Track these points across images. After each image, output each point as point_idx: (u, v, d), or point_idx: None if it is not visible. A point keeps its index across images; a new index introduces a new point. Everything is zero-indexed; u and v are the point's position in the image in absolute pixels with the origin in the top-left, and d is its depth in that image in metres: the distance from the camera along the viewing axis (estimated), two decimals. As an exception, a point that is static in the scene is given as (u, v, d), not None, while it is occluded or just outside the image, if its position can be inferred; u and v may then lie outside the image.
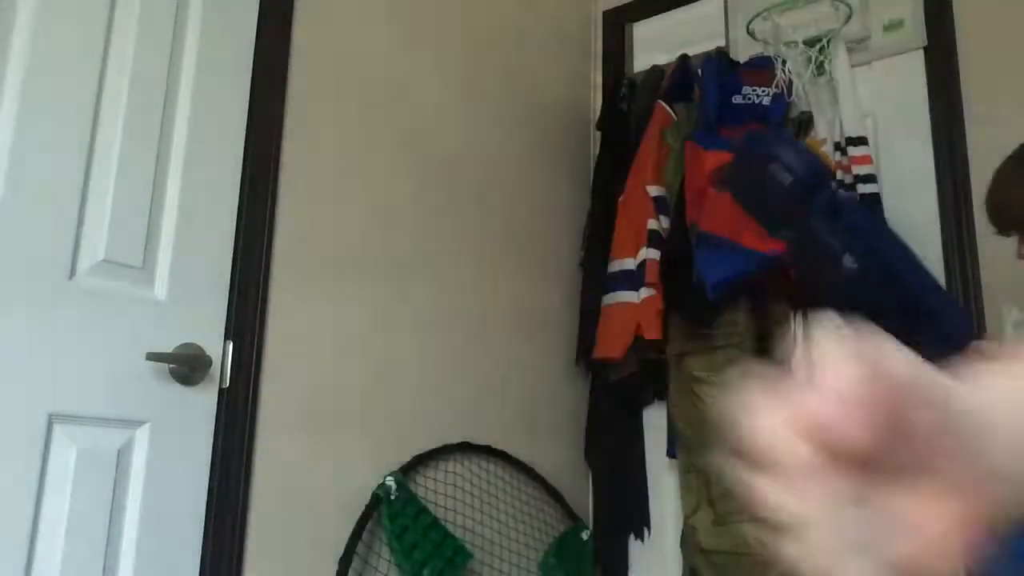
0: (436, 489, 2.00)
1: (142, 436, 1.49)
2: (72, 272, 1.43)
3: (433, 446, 2.01)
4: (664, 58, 2.69)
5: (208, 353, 1.58)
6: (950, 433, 0.29)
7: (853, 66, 2.30)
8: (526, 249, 2.45)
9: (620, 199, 2.49)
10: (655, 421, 2.53)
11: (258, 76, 1.77)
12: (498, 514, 2.15)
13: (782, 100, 2.29)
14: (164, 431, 1.52)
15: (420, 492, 1.94)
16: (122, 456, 1.47)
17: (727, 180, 1.34)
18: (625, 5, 2.90)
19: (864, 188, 2.17)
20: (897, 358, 0.29)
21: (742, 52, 2.51)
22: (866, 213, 1.13)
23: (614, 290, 2.40)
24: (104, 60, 1.51)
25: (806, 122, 2.34)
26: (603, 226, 2.53)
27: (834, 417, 0.28)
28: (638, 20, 2.90)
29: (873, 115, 2.31)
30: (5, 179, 1.36)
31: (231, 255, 1.68)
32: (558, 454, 2.44)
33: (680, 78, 2.52)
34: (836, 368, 0.28)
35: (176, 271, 1.57)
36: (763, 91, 2.31)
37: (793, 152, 1.09)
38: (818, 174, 1.09)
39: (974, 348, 1.01)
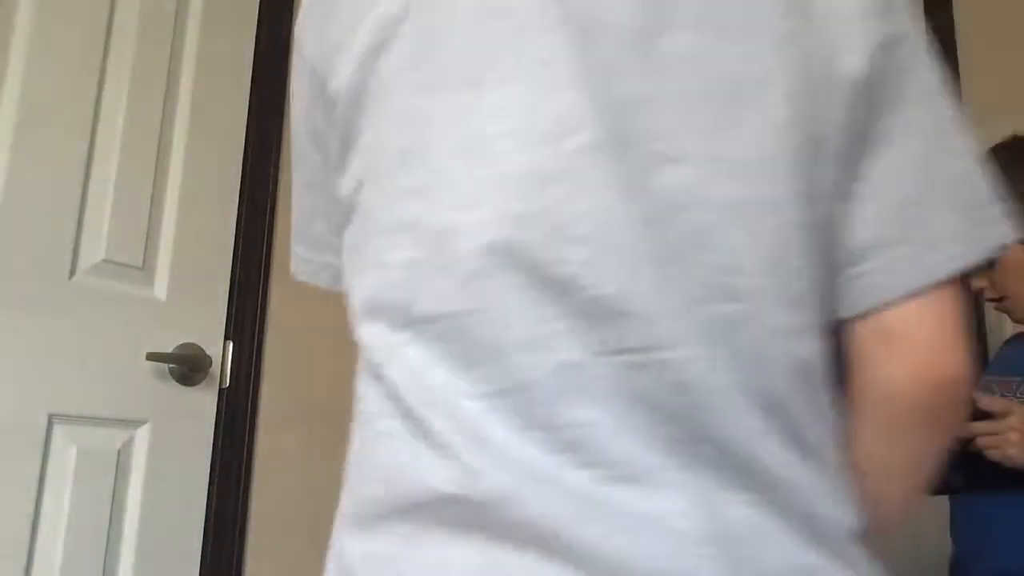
0: (436, 489, 2.00)
1: (142, 436, 1.49)
2: (72, 272, 1.43)
3: (433, 446, 2.00)
4: (664, 58, 2.68)
5: (208, 353, 1.58)
6: None
7: (853, 66, 2.30)
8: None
9: (620, 199, 2.49)
10: (655, 421, 2.53)
11: (258, 76, 1.77)
12: (498, 514, 2.15)
13: (782, 100, 2.29)
14: (164, 431, 1.52)
15: (420, 492, 1.94)
16: (122, 456, 1.46)
17: None
18: (625, 5, 2.90)
19: (864, 188, 2.17)
20: None
21: (742, 52, 2.51)
22: None
23: (614, 290, 2.39)
24: (104, 60, 1.51)
25: (806, 122, 2.34)
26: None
27: None
28: (638, 20, 2.90)
29: (873, 115, 2.31)
30: (5, 179, 1.35)
31: (231, 255, 1.68)
32: (558, 454, 2.44)
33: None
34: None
35: (176, 271, 1.57)
36: (763, 91, 2.31)
37: None
38: None
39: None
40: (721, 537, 0.45)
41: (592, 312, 0.46)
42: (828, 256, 0.50)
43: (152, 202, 1.56)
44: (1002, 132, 1.39)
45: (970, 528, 1.21)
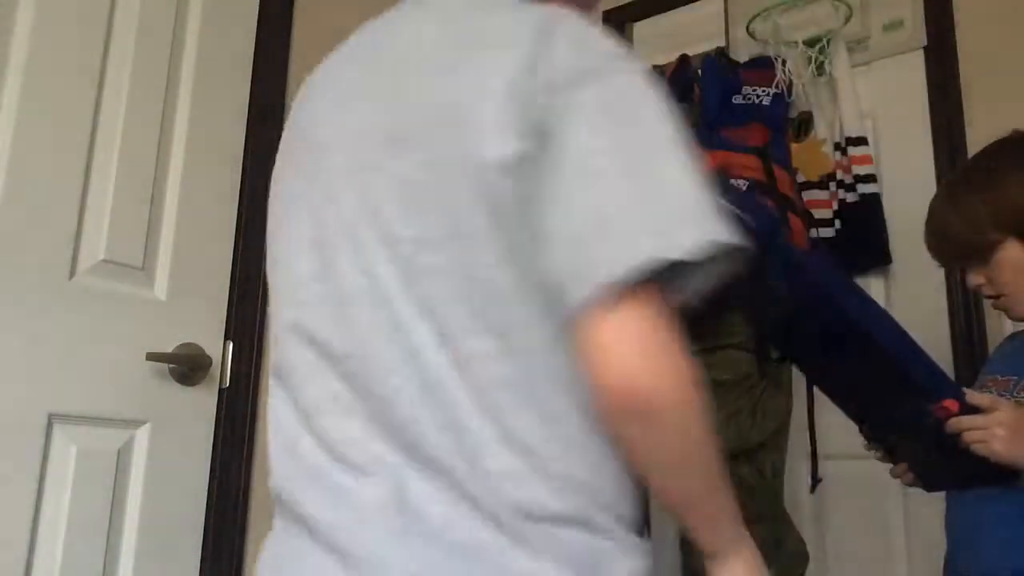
0: (436, 489, 2.00)
1: (142, 436, 1.50)
2: (72, 272, 1.43)
3: (433, 446, 2.00)
4: (664, 58, 2.68)
5: (208, 353, 1.58)
6: None
7: (853, 66, 2.30)
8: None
9: (620, 199, 2.49)
10: (655, 421, 2.52)
11: (258, 76, 1.78)
12: (498, 514, 2.15)
13: (782, 100, 2.29)
14: (164, 431, 1.52)
15: (420, 492, 1.94)
16: (122, 456, 1.47)
17: None
18: (625, 5, 2.90)
19: (864, 188, 2.17)
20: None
21: (742, 52, 2.51)
22: (830, 272, 1.11)
23: (614, 290, 2.39)
24: (104, 60, 1.51)
25: (806, 122, 2.34)
26: (603, 226, 2.52)
27: None
28: (638, 20, 2.90)
29: (873, 115, 2.31)
30: (5, 179, 1.36)
31: (231, 255, 1.68)
32: (558, 454, 2.44)
33: (680, 78, 2.52)
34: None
35: (176, 271, 1.58)
36: (763, 91, 2.31)
37: (742, 204, 1.07)
38: (772, 226, 1.07)
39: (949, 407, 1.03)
40: (404, 514, 0.62)
41: (338, 360, 0.68)
42: (540, 292, 0.63)
43: (152, 202, 1.56)
44: (1002, 132, 1.39)
45: (961, 525, 1.22)
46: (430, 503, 0.61)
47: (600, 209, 0.60)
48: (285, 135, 0.87)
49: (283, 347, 0.74)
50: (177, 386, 1.55)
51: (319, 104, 0.79)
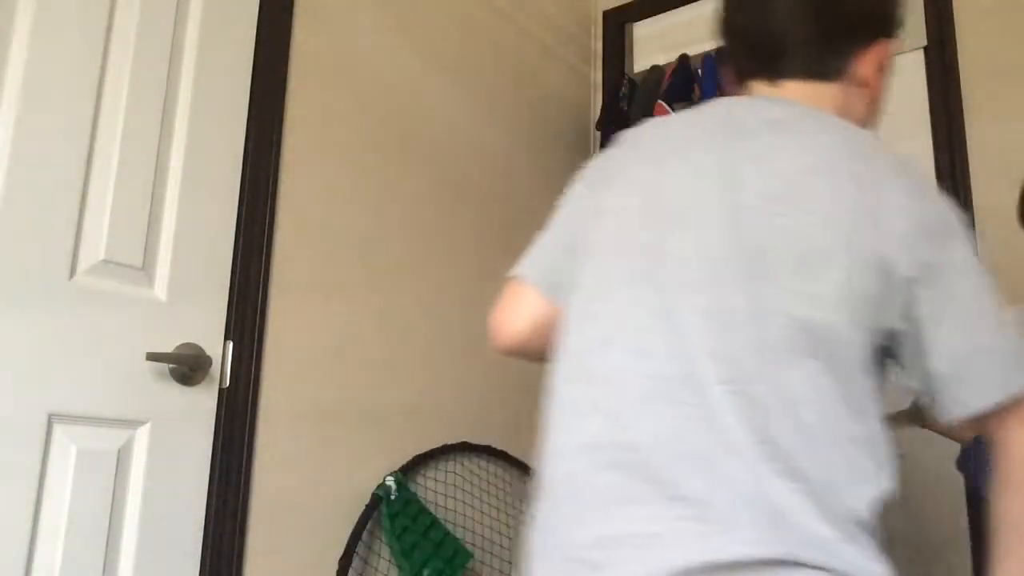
0: (436, 489, 2.00)
1: (142, 436, 1.49)
2: (72, 272, 1.43)
3: (433, 446, 2.01)
4: (664, 58, 2.69)
5: (208, 353, 1.58)
6: None
7: (853, 66, 2.30)
8: (525, 249, 2.45)
9: (620, 199, 2.49)
10: (655, 421, 2.52)
11: (258, 76, 1.77)
12: (498, 514, 2.16)
13: (782, 100, 2.29)
14: (164, 431, 1.52)
15: (420, 492, 1.94)
16: (122, 456, 1.47)
17: None
18: (625, 5, 2.90)
19: (864, 188, 2.17)
20: None
21: (742, 52, 2.50)
22: None
23: (614, 290, 2.39)
24: (104, 60, 1.51)
25: (806, 122, 2.33)
26: (603, 226, 2.52)
27: None
28: (638, 20, 2.90)
29: (873, 115, 2.31)
30: (5, 179, 1.36)
31: (231, 255, 1.68)
32: (558, 454, 2.44)
33: (680, 78, 2.52)
34: None
35: (176, 271, 1.57)
36: (763, 91, 2.31)
37: None
38: None
39: None
40: (767, 505, 0.74)
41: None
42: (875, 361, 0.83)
43: (152, 202, 1.56)
44: (1002, 132, 1.39)
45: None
46: (783, 496, 0.74)
47: (988, 338, 0.82)
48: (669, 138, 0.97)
49: None
50: (177, 386, 1.55)
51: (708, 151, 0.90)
